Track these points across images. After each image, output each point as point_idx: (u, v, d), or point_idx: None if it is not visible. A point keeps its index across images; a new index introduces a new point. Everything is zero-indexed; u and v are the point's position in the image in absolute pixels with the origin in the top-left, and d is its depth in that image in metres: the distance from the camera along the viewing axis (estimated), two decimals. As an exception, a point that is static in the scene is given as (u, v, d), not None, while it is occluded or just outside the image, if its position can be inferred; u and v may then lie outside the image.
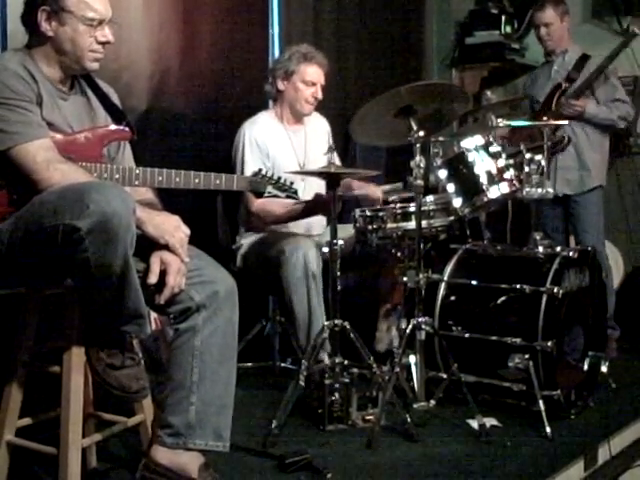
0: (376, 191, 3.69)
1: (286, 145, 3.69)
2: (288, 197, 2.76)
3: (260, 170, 2.72)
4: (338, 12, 4.61)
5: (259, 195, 2.73)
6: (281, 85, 3.67)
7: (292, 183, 2.76)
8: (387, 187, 3.68)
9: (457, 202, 3.26)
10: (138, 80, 3.51)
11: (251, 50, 4.08)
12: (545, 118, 3.74)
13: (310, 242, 3.40)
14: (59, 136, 2.32)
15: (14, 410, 2.37)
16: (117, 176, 2.38)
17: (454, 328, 3.31)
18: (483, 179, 3.25)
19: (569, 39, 4.30)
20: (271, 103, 3.85)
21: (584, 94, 4.11)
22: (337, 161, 3.23)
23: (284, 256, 3.33)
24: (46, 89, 2.33)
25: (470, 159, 3.28)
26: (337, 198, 3.07)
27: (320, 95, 3.69)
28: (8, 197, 2.24)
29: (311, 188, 3.49)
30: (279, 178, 2.72)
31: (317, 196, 3.40)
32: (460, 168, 3.29)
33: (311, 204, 3.39)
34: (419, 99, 3.12)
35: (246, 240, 3.66)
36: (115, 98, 2.60)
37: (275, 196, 2.74)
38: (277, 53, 4.25)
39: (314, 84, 3.65)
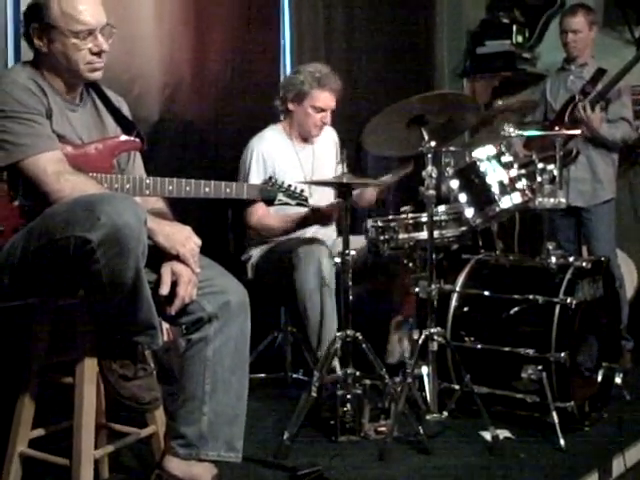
0: (372, 192, 3.70)
1: (293, 161, 3.68)
2: (298, 204, 2.76)
3: (270, 178, 2.72)
4: (349, 23, 4.61)
5: (269, 203, 2.73)
6: (291, 106, 3.65)
7: (302, 191, 2.76)
8: (386, 177, 3.62)
9: (469, 212, 3.25)
10: (149, 91, 3.53)
11: (262, 61, 4.08)
12: (557, 129, 3.72)
13: (323, 247, 3.38)
14: (69, 148, 2.32)
15: (27, 421, 2.37)
16: (128, 186, 2.38)
17: (466, 339, 3.29)
18: (495, 189, 3.25)
19: (591, 52, 4.24)
20: (281, 115, 3.80)
21: (597, 105, 4.07)
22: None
23: (297, 261, 3.32)
24: (55, 101, 2.33)
25: (482, 169, 3.28)
26: (346, 208, 3.05)
27: (329, 120, 3.66)
28: (20, 209, 2.25)
29: (320, 202, 3.47)
30: (289, 186, 2.72)
31: (317, 207, 3.38)
32: (472, 178, 3.29)
33: (309, 213, 3.37)
34: (431, 109, 3.12)
35: (256, 250, 3.65)
36: (125, 108, 2.59)
37: (286, 204, 2.74)
38: (288, 64, 4.26)
39: (324, 110, 3.64)
